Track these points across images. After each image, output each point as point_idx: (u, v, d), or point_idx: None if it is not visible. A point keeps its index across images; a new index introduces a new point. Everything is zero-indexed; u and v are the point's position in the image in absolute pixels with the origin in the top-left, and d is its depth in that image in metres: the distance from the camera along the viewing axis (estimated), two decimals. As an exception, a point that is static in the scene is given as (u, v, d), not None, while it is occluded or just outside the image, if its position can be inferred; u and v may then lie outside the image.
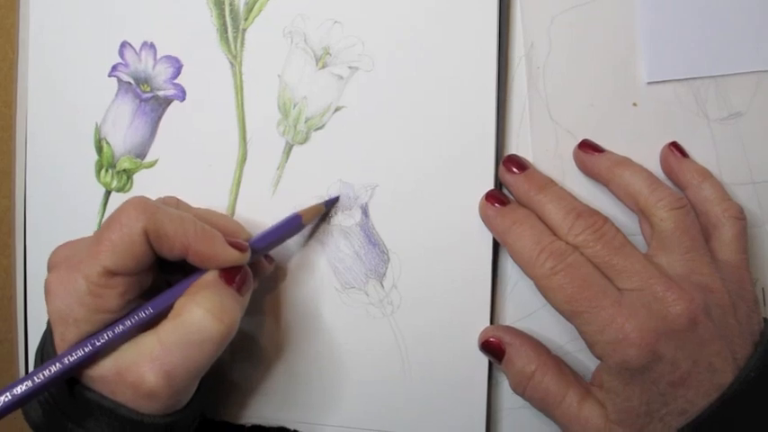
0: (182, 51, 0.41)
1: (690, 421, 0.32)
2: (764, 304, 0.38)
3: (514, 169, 0.38)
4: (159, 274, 0.36)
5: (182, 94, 0.41)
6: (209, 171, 0.41)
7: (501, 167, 0.39)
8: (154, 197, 0.37)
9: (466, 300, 0.39)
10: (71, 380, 0.32)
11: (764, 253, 0.39)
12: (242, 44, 0.41)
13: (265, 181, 0.41)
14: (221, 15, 0.41)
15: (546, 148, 0.39)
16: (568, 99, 0.39)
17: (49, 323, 0.33)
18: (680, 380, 0.32)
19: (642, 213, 0.36)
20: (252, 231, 0.38)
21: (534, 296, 0.37)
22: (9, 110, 0.44)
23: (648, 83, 0.38)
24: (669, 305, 0.32)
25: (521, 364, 0.37)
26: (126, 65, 0.42)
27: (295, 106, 0.40)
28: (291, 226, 0.38)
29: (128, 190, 0.42)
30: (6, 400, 0.30)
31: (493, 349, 0.38)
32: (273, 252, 0.39)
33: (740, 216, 0.36)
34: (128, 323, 0.32)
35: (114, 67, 0.42)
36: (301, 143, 0.40)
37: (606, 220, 0.35)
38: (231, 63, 0.41)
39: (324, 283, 0.40)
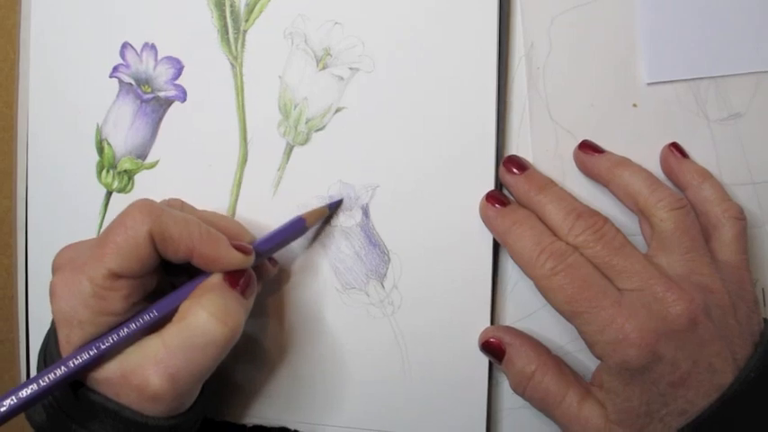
0: (183, 52, 0.41)
1: (690, 421, 0.32)
2: (764, 305, 0.38)
3: (515, 170, 0.38)
4: (164, 276, 0.36)
5: (183, 95, 0.41)
6: (209, 172, 0.41)
7: (501, 168, 0.39)
8: (155, 198, 0.37)
9: (466, 300, 0.39)
10: (75, 382, 0.32)
11: (764, 253, 0.39)
12: (243, 45, 0.41)
13: (266, 182, 0.41)
14: (222, 16, 0.41)
15: (546, 148, 0.39)
16: (568, 99, 0.39)
17: (53, 324, 0.33)
18: (680, 380, 0.32)
19: (642, 214, 0.36)
20: (252, 232, 0.38)
21: (534, 296, 0.37)
22: (10, 110, 0.44)
23: (648, 83, 0.38)
24: (669, 305, 0.33)
25: (521, 365, 0.37)
26: (127, 66, 0.42)
27: (296, 107, 0.40)
28: (295, 229, 0.38)
29: (129, 191, 0.42)
30: (12, 403, 0.30)
31: (493, 349, 0.38)
32: (276, 254, 0.39)
33: (740, 216, 0.36)
34: (133, 326, 0.32)
35: (115, 68, 0.42)
36: (302, 144, 0.40)
37: (606, 220, 0.36)
38: (232, 64, 0.41)
39: (325, 284, 0.41)
